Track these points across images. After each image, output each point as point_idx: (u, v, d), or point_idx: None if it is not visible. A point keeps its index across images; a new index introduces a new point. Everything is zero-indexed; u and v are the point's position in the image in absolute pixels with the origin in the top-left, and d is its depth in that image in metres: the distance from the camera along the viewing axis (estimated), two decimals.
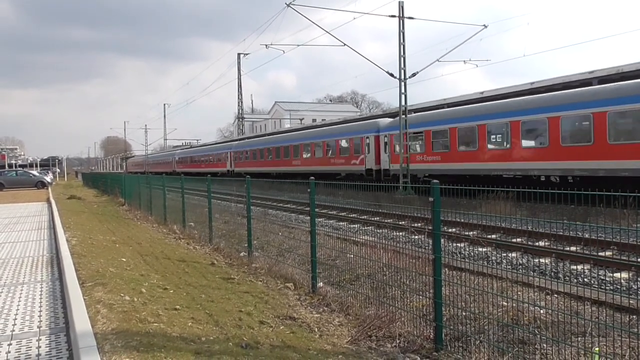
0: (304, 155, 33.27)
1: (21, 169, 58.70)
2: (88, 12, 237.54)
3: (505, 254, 9.62)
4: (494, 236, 11.40)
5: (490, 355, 4.21)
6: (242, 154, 43.44)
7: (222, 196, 13.25)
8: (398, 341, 4.70)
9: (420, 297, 5.31)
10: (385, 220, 13.15)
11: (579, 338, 4.62)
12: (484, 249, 10.06)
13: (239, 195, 11.14)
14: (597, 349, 3.97)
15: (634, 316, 5.52)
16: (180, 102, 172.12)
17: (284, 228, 11.30)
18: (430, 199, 4.44)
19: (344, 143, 29.25)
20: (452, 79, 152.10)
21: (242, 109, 58.38)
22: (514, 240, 10.76)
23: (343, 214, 16.19)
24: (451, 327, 4.71)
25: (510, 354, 4.19)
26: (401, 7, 23.29)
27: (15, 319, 5.24)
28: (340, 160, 29.23)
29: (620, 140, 15.52)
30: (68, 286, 5.93)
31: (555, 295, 6.22)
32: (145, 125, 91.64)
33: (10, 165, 70.38)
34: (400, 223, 11.24)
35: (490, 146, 19.99)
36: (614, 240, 8.95)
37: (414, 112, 25.41)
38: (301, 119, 67.65)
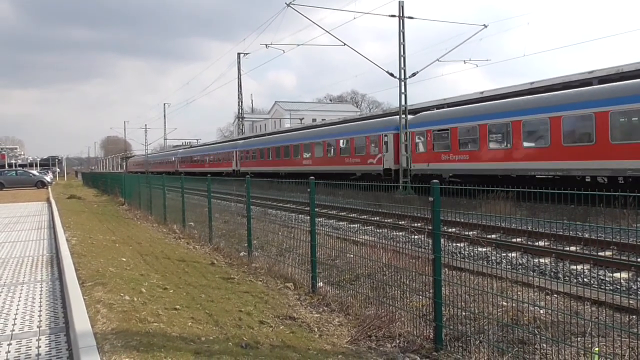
0: (316, 155, 31.93)
1: (21, 168, 58.75)
2: (88, 12, 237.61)
3: (505, 254, 9.62)
4: (493, 236, 11.40)
5: (490, 355, 4.21)
6: (248, 153, 42.10)
7: (222, 196, 13.24)
8: (398, 341, 4.70)
9: (420, 297, 5.32)
10: (385, 220, 13.15)
11: (579, 338, 4.61)
12: (484, 249, 10.06)
13: (239, 195, 11.14)
14: (596, 349, 3.97)
15: (634, 316, 5.52)
16: (180, 101, 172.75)
17: (284, 228, 11.30)
18: (430, 198, 4.44)
19: (359, 141, 27.72)
20: (452, 79, 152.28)
21: (242, 109, 58.37)
22: (514, 240, 10.75)
23: (343, 213, 16.19)
24: (451, 327, 4.71)
25: (510, 354, 4.19)
26: (401, 6, 23.31)
27: (15, 318, 5.24)
28: (355, 159, 27.89)
29: None
30: (68, 286, 5.93)
31: (555, 295, 6.22)
32: (145, 125, 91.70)
33: (10, 165, 70.40)
34: (400, 223, 11.25)
35: (526, 144, 18.46)
36: (613, 240, 8.95)
37: (414, 112, 25.23)
38: (301, 119, 67.66)
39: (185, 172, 46.77)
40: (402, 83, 23.65)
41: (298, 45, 32.06)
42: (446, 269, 5.45)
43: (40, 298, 6.03)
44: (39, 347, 4.41)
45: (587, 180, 17.09)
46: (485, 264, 8.86)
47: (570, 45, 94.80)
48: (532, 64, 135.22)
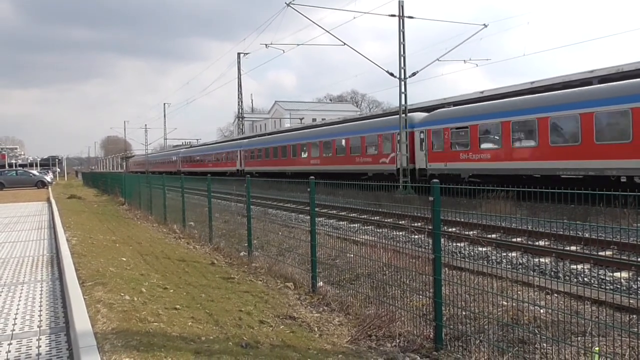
0: (324, 154, 30.88)
1: (21, 168, 58.76)
2: (88, 12, 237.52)
3: (505, 254, 9.62)
4: (494, 236, 11.40)
5: (490, 355, 4.21)
6: (253, 153, 40.92)
7: (223, 195, 13.25)
8: (398, 340, 4.70)
9: (420, 296, 5.32)
10: (385, 220, 13.15)
11: (579, 337, 4.62)
12: (484, 249, 10.06)
13: (239, 195, 11.14)
14: (597, 348, 3.97)
15: (634, 316, 5.52)
16: (181, 101, 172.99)
17: (284, 227, 11.30)
18: (430, 198, 4.44)
19: (370, 140, 26.76)
20: (452, 79, 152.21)
21: (242, 109, 58.39)
22: (514, 239, 10.75)
23: (343, 213, 16.19)
24: (451, 326, 4.71)
25: (510, 354, 4.19)
26: (401, 6, 23.30)
27: (16, 318, 5.24)
28: (367, 158, 26.92)
29: None
30: (68, 286, 5.93)
31: (555, 295, 6.22)
32: (145, 125, 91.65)
33: (10, 165, 70.41)
34: (400, 222, 11.25)
35: (554, 142, 17.43)
36: (614, 239, 8.95)
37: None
38: (301, 119, 67.67)
39: (188, 172, 46.13)
40: (402, 83, 23.64)
41: (298, 45, 32.10)
42: (446, 269, 5.45)
43: (41, 298, 6.03)
44: (39, 346, 4.41)
45: (622, 180, 15.87)
46: (486, 263, 8.86)
47: (571, 44, 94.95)
48: (532, 63, 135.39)
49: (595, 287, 7.15)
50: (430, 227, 4.62)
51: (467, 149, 20.78)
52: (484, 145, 20.15)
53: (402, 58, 23.51)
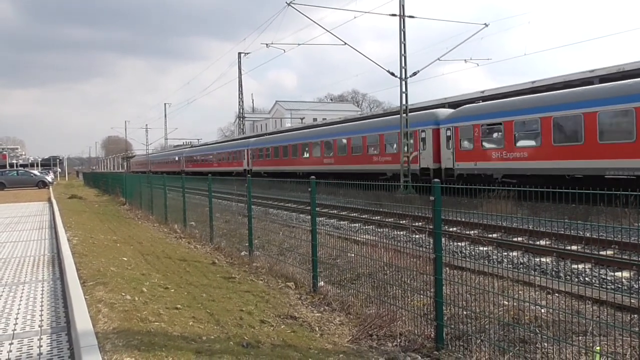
0: (339, 153, 29.21)
1: (22, 168, 58.80)
2: (88, 12, 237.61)
3: (506, 253, 9.62)
4: (494, 235, 11.40)
5: (491, 354, 4.21)
6: (261, 151, 38.97)
7: (223, 195, 13.25)
8: (399, 340, 4.70)
9: (421, 296, 5.32)
10: (386, 220, 13.14)
11: (580, 337, 4.61)
12: (485, 248, 10.06)
13: (240, 195, 11.14)
14: (598, 348, 3.97)
15: (635, 315, 5.51)
16: (181, 101, 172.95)
17: (284, 227, 11.31)
18: (431, 198, 4.44)
19: (390, 138, 25.08)
20: (452, 78, 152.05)
21: (242, 108, 58.39)
22: (515, 239, 10.75)
23: (344, 213, 16.19)
24: (452, 326, 4.71)
25: (511, 353, 4.19)
26: (402, 5, 23.28)
27: (17, 318, 5.25)
28: (386, 157, 25.43)
29: None
30: (69, 285, 5.94)
31: (557, 295, 6.22)
32: (146, 125, 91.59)
33: (11, 165, 70.50)
34: (401, 222, 11.24)
35: (602, 140, 15.97)
36: (615, 239, 8.94)
37: (414, 111, 25.12)
38: (302, 118, 67.67)
39: (192, 172, 45.58)
40: (403, 82, 23.63)
41: (299, 44, 32.06)
42: (447, 268, 5.45)
43: (42, 297, 6.04)
44: (40, 346, 4.42)
45: None
46: (487, 263, 8.85)
47: (571, 44, 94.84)
48: (533, 63, 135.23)
49: (596, 286, 7.14)
50: (431, 227, 4.62)
51: (500, 147, 19.38)
52: (520, 143, 18.68)
53: (402, 57, 23.49)
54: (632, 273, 7.70)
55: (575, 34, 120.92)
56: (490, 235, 11.31)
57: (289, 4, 22.26)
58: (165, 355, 3.95)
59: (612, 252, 8.93)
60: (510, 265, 8.85)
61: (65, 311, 5.42)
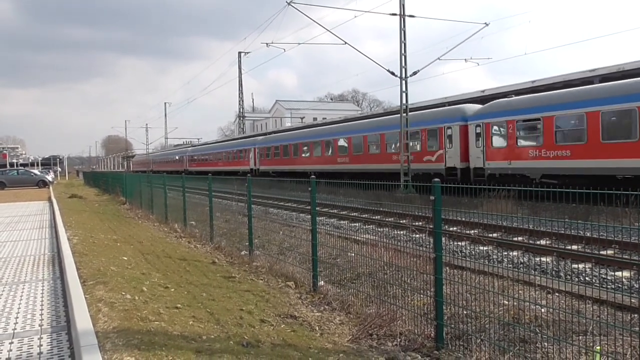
0: (354, 151, 27.67)
1: (22, 168, 58.88)
2: (88, 12, 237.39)
3: (506, 253, 9.62)
4: (495, 235, 11.40)
5: (491, 354, 4.21)
6: (269, 150, 37.27)
7: (224, 195, 13.26)
8: (399, 340, 4.70)
9: (421, 295, 5.32)
10: (387, 219, 13.14)
11: (580, 337, 4.61)
12: (485, 248, 10.06)
13: (240, 194, 11.15)
14: (598, 347, 3.97)
15: (636, 315, 5.51)
16: (181, 101, 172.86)
17: (285, 227, 11.31)
18: (432, 197, 4.44)
19: (412, 135, 23.87)
20: (453, 78, 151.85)
21: (243, 108, 58.39)
22: (515, 239, 10.75)
23: (344, 212, 16.18)
24: (452, 325, 4.71)
25: (511, 353, 4.19)
26: (402, 5, 23.27)
27: (17, 317, 5.25)
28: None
29: None
30: (69, 285, 5.94)
31: (557, 294, 6.22)
32: (146, 124, 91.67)
33: (11, 164, 70.54)
34: (401, 222, 11.23)
35: None
36: (615, 238, 8.94)
37: (413, 110, 25.05)
38: (302, 118, 67.66)
39: (196, 172, 44.68)
40: (403, 82, 23.62)
41: (299, 44, 32.22)
42: (447, 268, 5.45)
43: (42, 297, 6.04)
44: (40, 345, 4.42)
45: None
46: (487, 262, 8.85)
47: (572, 43, 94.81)
48: (533, 62, 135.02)
49: (596, 286, 7.14)
50: (431, 226, 4.62)
51: (538, 145, 17.93)
52: (562, 141, 17.28)
53: (403, 57, 23.49)
54: (632, 273, 7.69)
55: (575, 34, 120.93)
56: (490, 235, 11.31)
57: (289, 4, 22.26)
58: (165, 354, 3.95)
59: (612, 252, 8.92)
60: (511, 265, 8.84)
61: (66, 310, 5.42)
